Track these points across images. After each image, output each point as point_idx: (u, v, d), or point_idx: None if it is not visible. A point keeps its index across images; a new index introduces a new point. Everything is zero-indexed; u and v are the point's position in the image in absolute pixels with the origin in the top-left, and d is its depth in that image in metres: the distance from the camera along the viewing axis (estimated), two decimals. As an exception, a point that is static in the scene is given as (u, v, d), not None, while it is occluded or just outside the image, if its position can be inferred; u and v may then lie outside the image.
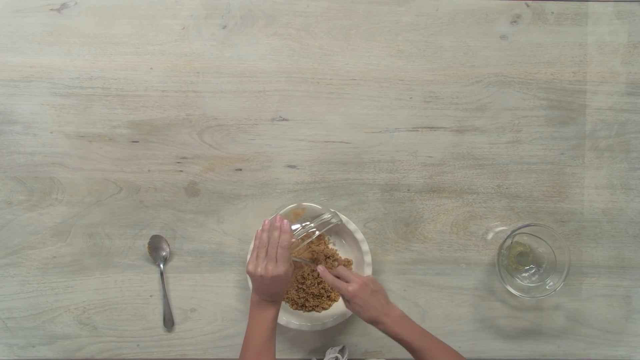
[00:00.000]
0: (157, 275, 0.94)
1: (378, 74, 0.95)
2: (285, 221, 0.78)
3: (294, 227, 0.82)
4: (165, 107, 0.94)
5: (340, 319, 0.89)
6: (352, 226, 0.91)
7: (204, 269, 0.94)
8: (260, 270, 0.75)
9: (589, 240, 0.96)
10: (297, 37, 0.95)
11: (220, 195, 0.95)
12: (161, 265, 0.93)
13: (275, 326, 0.78)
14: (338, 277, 0.81)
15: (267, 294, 0.77)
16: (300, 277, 0.92)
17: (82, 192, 0.94)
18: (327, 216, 0.82)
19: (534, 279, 0.93)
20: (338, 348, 0.91)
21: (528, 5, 0.96)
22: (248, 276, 0.86)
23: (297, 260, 0.90)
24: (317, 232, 0.82)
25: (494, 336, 0.96)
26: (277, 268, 0.75)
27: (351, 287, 0.77)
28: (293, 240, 0.79)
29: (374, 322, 0.77)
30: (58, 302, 0.94)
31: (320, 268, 0.81)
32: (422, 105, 0.96)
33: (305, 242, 0.82)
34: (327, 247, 0.94)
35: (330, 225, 0.83)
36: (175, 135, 0.94)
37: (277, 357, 0.79)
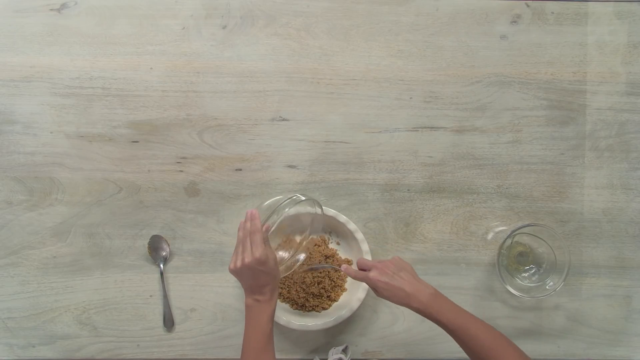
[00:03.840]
0: (157, 275, 0.94)
1: (378, 74, 0.95)
2: (253, 210, 0.77)
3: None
4: (165, 107, 0.94)
5: (341, 319, 0.89)
6: (352, 226, 0.91)
7: (204, 269, 0.94)
8: (238, 263, 0.73)
9: (589, 240, 0.96)
10: (297, 37, 0.95)
11: (220, 195, 0.95)
12: (161, 265, 0.93)
13: (272, 328, 0.75)
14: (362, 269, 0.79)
15: (255, 287, 0.75)
16: (300, 277, 0.92)
17: (82, 192, 0.94)
18: (290, 195, 0.80)
19: (534, 279, 0.93)
20: (341, 348, 0.91)
21: (528, 5, 0.96)
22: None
23: (317, 267, 0.90)
24: (286, 209, 0.78)
25: (494, 336, 0.96)
26: (252, 254, 0.73)
27: (371, 274, 0.76)
28: (265, 225, 0.76)
29: (406, 306, 0.74)
30: (58, 302, 0.94)
31: (344, 266, 0.81)
32: (422, 105, 0.96)
33: (279, 219, 0.78)
34: (327, 247, 0.94)
35: (300, 201, 0.79)
36: (175, 135, 0.94)
37: (279, 357, 0.78)
